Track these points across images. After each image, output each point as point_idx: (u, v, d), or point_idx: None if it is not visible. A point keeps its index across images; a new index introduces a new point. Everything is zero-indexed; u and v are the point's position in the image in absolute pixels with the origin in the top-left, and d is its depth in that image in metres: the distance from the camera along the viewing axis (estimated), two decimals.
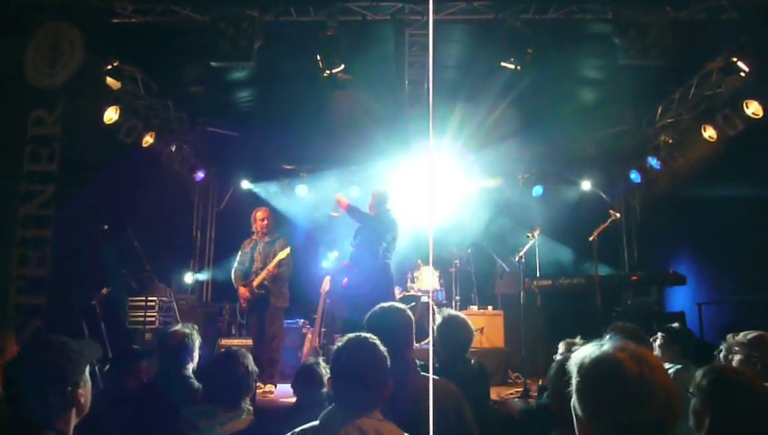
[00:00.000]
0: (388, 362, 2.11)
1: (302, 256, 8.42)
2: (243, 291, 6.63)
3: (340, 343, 2.16)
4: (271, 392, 6.28)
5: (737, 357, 3.20)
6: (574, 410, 1.49)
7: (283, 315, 6.92)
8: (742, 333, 3.23)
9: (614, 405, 1.39)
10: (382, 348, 2.13)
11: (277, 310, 6.71)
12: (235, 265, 6.89)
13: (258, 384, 6.15)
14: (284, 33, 6.67)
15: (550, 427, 2.72)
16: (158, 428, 2.60)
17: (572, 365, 1.51)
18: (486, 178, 9.79)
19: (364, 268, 6.17)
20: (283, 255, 6.62)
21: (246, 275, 6.72)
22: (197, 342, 3.50)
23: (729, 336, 3.30)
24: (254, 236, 6.89)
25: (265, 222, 6.87)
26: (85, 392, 2.02)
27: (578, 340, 4.00)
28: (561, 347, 4.10)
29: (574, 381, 1.49)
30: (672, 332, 4.33)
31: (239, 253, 6.91)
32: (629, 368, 1.40)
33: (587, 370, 1.46)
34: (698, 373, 2.22)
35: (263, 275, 6.58)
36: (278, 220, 9.30)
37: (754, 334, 3.18)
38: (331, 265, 8.04)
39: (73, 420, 1.99)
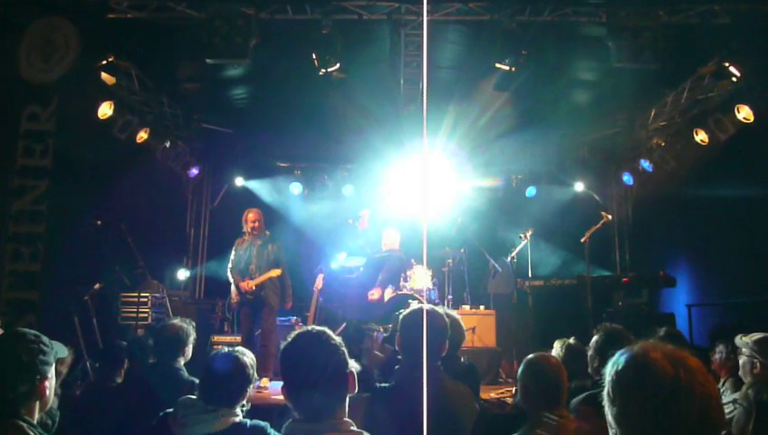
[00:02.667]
0: (346, 355, 1.93)
1: (294, 253, 8.43)
2: (245, 284, 6.70)
3: (285, 342, 1.95)
4: (265, 388, 6.33)
5: (742, 358, 3.28)
6: (606, 417, 1.37)
7: (276, 312, 6.99)
8: (749, 335, 3.31)
9: (645, 409, 1.27)
10: (336, 340, 1.94)
11: (272, 308, 6.81)
12: (230, 264, 6.92)
13: (263, 383, 6.24)
14: (280, 30, 6.68)
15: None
16: (145, 421, 2.61)
17: (606, 369, 1.39)
18: (480, 178, 9.82)
19: None
20: (274, 274, 6.78)
21: (243, 275, 6.78)
22: (192, 337, 3.55)
23: (738, 338, 3.36)
24: (246, 237, 6.94)
25: (256, 223, 6.90)
26: (50, 386, 2.05)
27: (572, 340, 4.05)
28: (556, 346, 4.14)
29: (606, 384, 1.37)
30: (659, 335, 4.36)
31: (233, 252, 6.95)
32: (664, 368, 1.28)
33: (618, 371, 1.34)
34: (745, 386, 2.31)
35: (261, 279, 6.67)
36: (271, 218, 9.33)
37: (760, 336, 3.26)
38: (340, 265, 7.93)
39: (36, 413, 2.02)
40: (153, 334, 3.73)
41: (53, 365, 2.09)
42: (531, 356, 2.87)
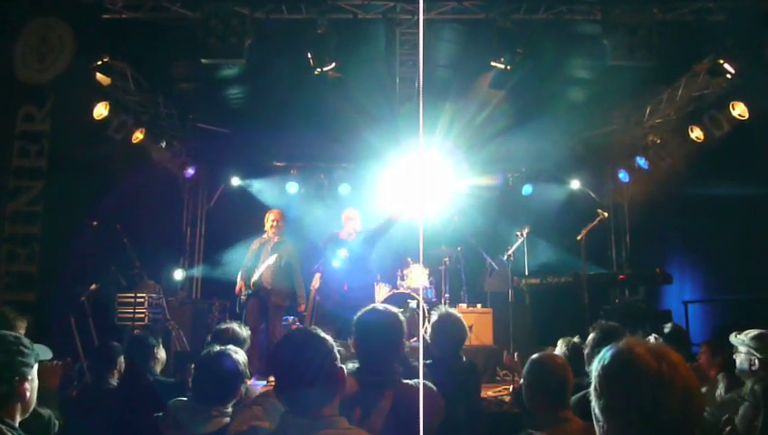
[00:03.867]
0: (336, 353, 1.94)
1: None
2: (241, 285, 6.79)
3: (276, 342, 2.01)
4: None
5: (739, 356, 3.29)
6: (593, 412, 1.42)
7: (281, 314, 7.02)
8: (744, 332, 3.32)
9: (629, 402, 1.32)
10: (326, 338, 1.96)
11: (279, 309, 6.84)
12: (244, 262, 6.99)
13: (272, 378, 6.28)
14: (275, 30, 6.67)
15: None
16: (143, 422, 2.61)
17: (593, 365, 1.45)
18: (476, 176, 9.82)
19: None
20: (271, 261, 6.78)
21: (251, 273, 6.83)
22: (248, 344, 3.57)
23: (732, 335, 3.38)
24: (265, 236, 7.01)
25: (275, 223, 7.00)
26: (30, 389, 2.04)
27: (576, 339, 4.04)
28: (560, 345, 4.13)
29: (592, 379, 1.43)
30: (664, 331, 4.39)
31: (248, 252, 7.02)
32: (647, 363, 1.33)
33: (604, 366, 1.40)
34: (749, 382, 2.33)
35: (263, 267, 6.73)
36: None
37: (755, 332, 3.27)
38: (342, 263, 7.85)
39: (18, 416, 2.00)
40: (212, 336, 3.71)
41: (35, 367, 2.07)
42: (536, 356, 2.83)
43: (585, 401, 2.83)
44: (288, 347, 1.94)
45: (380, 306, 2.75)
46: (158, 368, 3.98)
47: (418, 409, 2.38)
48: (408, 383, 2.61)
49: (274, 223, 7.00)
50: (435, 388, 2.62)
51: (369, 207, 8.10)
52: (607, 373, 1.39)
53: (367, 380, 2.52)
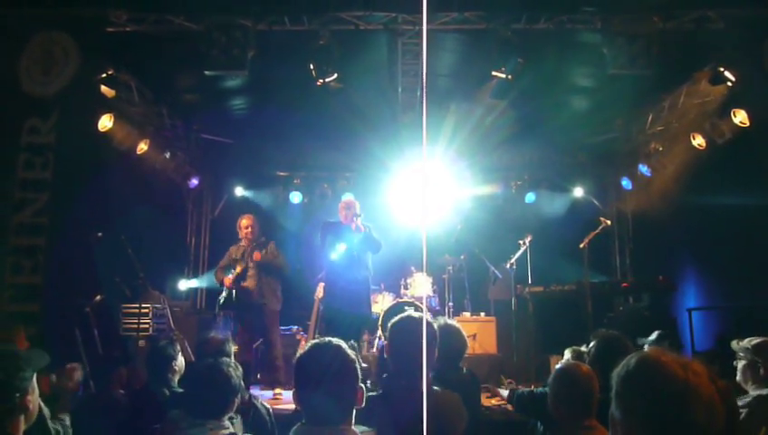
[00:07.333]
0: (359, 369, 2.02)
1: (294, 262, 8.42)
2: (228, 279, 6.68)
3: (302, 351, 2.06)
4: (280, 394, 6.36)
5: (742, 362, 3.28)
6: (612, 416, 1.45)
7: (278, 319, 6.94)
8: (747, 340, 3.31)
9: (653, 408, 1.35)
10: (349, 352, 2.03)
11: (273, 313, 6.75)
12: (219, 265, 6.93)
13: (277, 390, 6.35)
14: (278, 41, 6.72)
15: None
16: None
17: (615, 371, 1.47)
18: (479, 184, 9.84)
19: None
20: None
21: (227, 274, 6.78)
22: (232, 351, 3.59)
23: (734, 342, 3.37)
24: (242, 243, 6.91)
25: (250, 229, 6.83)
26: (33, 399, 2.07)
27: (583, 347, 4.04)
28: (567, 354, 4.13)
29: (615, 383, 1.45)
30: (659, 339, 4.39)
31: (225, 256, 6.96)
32: (674, 371, 1.36)
33: (630, 371, 1.43)
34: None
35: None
36: (272, 227, 9.32)
37: (759, 340, 3.26)
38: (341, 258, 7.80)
39: (22, 427, 2.04)
40: (197, 346, 3.74)
41: (33, 377, 2.09)
42: (562, 365, 2.86)
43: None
44: (314, 355, 2.00)
45: (416, 314, 2.81)
46: (176, 378, 3.97)
47: (444, 414, 2.43)
48: (437, 390, 2.66)
49: (247, 229, 6.81)
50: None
51: (373, 216, 8.12)
52: (632, 379, 1.41)
53: (398, 384, 2.60)
